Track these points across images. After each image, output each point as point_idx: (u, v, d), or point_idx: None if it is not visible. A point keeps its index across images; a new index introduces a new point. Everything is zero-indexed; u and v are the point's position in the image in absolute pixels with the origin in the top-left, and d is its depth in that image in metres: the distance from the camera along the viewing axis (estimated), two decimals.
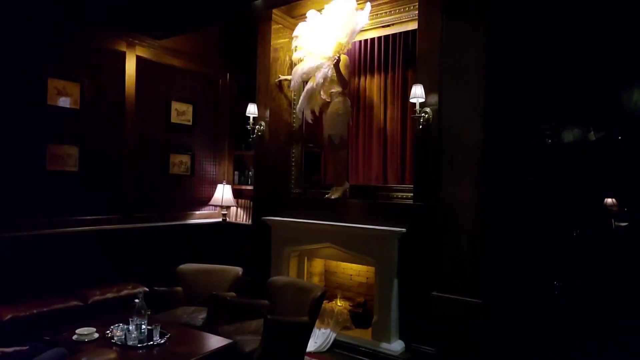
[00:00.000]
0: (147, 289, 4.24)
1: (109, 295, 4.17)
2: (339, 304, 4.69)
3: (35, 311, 3.61)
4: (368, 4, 4.31)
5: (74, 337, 2.92)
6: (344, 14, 4.33)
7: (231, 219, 5.93)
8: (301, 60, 4.75)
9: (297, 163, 5.24)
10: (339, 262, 4.92)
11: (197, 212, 5.70)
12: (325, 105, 4.67)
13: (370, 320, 4.16)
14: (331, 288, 4.94)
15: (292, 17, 5.17)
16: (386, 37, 4.59)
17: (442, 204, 3.56)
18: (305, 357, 3.41)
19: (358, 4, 4.33)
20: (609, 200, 3.40)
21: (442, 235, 3.55)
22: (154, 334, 2.94)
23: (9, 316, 3.48)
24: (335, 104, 4.53)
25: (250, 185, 5.67)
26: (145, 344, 2.87)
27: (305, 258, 4.86)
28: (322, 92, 4.61)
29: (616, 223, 3.36)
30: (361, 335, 4.21)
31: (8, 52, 3.98)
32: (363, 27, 4.36)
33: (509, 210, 3.56)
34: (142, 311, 2.92)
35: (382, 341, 3.95)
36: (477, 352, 3.34)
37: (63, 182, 4.39)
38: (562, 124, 3.48)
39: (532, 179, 3.51)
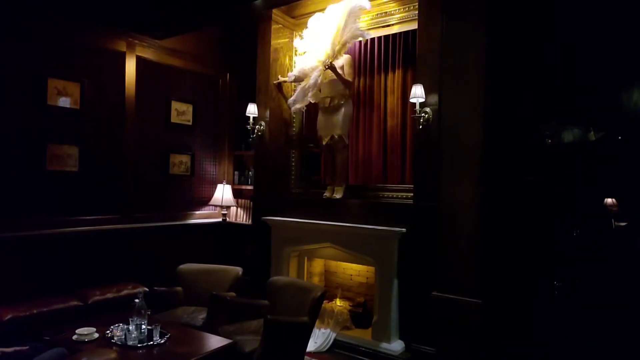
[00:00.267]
0: (147, 289, 4.25)
1: (109, 295, 4.18)
2: (339, 304, 4.69)
3: (35, 311, 3.62)
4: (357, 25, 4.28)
5: (74, 337, 2.92)
6: (341, 22, 4.33)
7: (231, 219, 5.93)
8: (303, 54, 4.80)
9: (297, 163, 5.24)
10: (339, 262, 4.92)
11: (197, 212, 5.70)
12: (325, 105, 4.64)
13: (370, 320, 4.16)
14: (331, 288, 4.94)
15: (292, 17, 5.17)
16: (386, 37, 4.58)
17: (442, 204, 3.56)
18: (305, 357, 3.41)
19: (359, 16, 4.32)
20: (609, 200, 3.40)
21: (442, 235, 3.55)
22: (154, 334, 2.94)
23: (9, 316, 3.48)
24: (338, 105, 4.52)
25: (250, 185, 5.67)
26: (145, 344, 2.86)
27: (305, 258, 4.86)
28: (323, 91, 4.60)
29: (616, 223, 3.36)
30: (361, 335, 4.21)
31: (8, 52, 3.99)
32: (358, 36, 4.33)
33: (509, 210, 3.56)
34: (142, 311, 2.92)
35: (382, 341, 3.96)
36: (477, 352, 3.34)
37: (63, 182, 4.39)
38: (562, 124, 3.47)
39: (532, 179, 3.51)
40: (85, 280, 4.34)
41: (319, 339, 4.17)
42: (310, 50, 4.67)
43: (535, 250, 3.49)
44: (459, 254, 3.44)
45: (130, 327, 2.89)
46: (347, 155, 4.71)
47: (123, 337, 2.91)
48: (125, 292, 4.27)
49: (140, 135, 5.05)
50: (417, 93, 3.78)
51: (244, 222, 5.84)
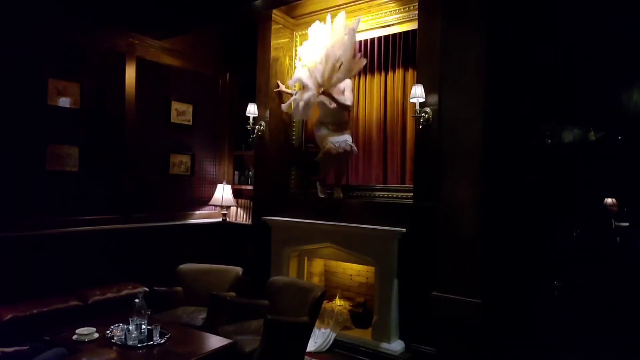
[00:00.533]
0: (147, 289, 4.25)
1: (109, 295, 4.18)
2: (339, 304, 4.68)
3: (35, 311, 3.62)
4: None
5: (74, 337, 2.92)
6: (336, 53, 4.33)
7: (231, 219, 5.93)
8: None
9: (297, 163, 5.23)
10: (339, 262, 4.92)
11: (197, 212, 5.70)
12: (325, 121, 4.60)
13: (370, 320, 4.15)
14: (331, 288, 4.94)
15: (292, 17, 5.17)
16: (386, 37, 4.59)
17: (442, 204, 3.55)
18: (305, 357, 3.41)
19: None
20: (609, 200, 3.40)
21: (442, 235, 3.55)
22: (154, 334, 2.94)
23: (9, 316, 3.48)
24: (339, 130, 4.51)
25: (250, 185, 5.67)
26: (145, 344, 2.86)
27: (305, 258, 4.86)
28: (322, 110, 4.60)
29: (616, 223, 3.36)
30: (361, 335, 4.21)
31: (8, 52, 3.98)
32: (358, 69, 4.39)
33: (509, 210, 3.56)
34: (142, 311, 2.92)
35: (382, 341, 3.96)
36: (477, 352, 3.34)
37: (63, 182, 4.39)
38: (562, 124, 3.47)
39: (532, 179, 3.51)
40: (85, 280, 4.34)
41: (319, 339, 4.17)
42: (309, 65, 4.60)
43: (535, 250, 3.49)
44: (459, 254, 3.44)
45: (130, 327, 2.89)
46: (347, 158, 4.69)
47: (123, 337, 2.91)
48: (125, 292, 4.27)
49: (140, 135, 5.05)
50: (417, 93, 3.78)
51: (244, 222, 5.84)
